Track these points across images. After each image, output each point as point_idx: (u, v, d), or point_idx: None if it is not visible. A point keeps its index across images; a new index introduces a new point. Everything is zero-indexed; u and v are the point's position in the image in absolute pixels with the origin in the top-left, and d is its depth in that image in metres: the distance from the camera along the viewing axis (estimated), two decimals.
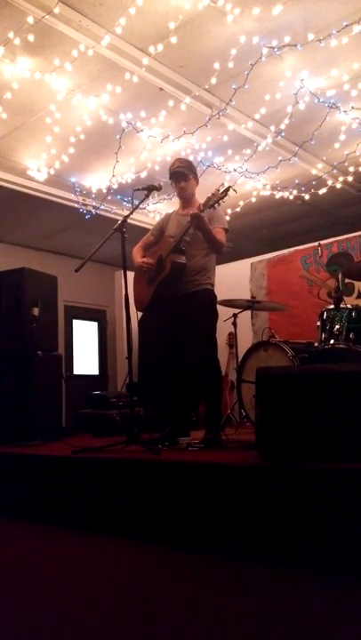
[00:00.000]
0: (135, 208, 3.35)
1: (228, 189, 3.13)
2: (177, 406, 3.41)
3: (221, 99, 4.33)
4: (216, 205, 3.18)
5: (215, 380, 3.31)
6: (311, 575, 1.80)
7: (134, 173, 5.38)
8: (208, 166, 5.24)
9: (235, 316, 4.71)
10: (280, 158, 5.11)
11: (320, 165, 5.40)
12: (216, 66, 3.89)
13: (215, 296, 3.39)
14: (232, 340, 5.45)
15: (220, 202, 3.16)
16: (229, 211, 6.04)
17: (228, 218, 5.98)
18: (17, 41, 3.57)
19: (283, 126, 4.61)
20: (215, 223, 3.30)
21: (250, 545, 1.96)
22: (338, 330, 3.38)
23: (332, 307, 3.53)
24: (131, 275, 3.27)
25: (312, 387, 2.14)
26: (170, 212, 3.63)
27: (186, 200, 3.49)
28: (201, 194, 3.41)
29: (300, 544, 1.84)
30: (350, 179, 5.56)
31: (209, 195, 3.19)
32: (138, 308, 3.48)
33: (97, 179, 5.65)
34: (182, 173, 3.40)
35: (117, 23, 3.48)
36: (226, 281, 5.96)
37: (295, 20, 3.56)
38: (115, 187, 5.59)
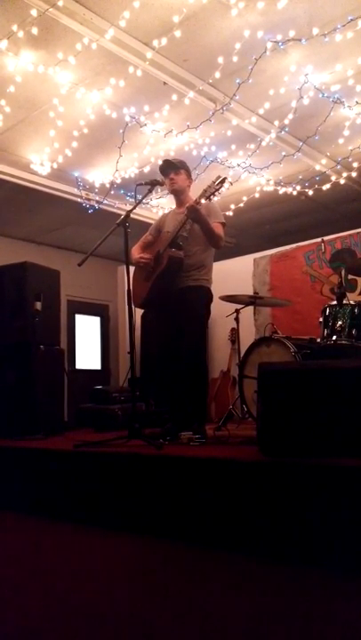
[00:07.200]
0: (138, 203, 3.34)
1: (223, 180, 3.11)
2: (178, 401, 3.41)
3: (225, 93, 4.31)
4: (212, 197, 3.15)
5: (199, 377, 3.29)
6: (311, 572, 1.80)
7: (137, 168, 5.37)
8: (211, 161, 5.23)
9: (237, 311, 4.69)
10: (284, 153, 5.10)
11: (324, 161, 5.38)
12: (220, 60, 3.88)
13: (211, 294, 3.38)
14: (234, 335, 5.44)
15: (217, 193, 3.13)
16: (232, 206, 6.03)
17: (231, 213, 6.06)
18: (20, 34, 3.56)
19: (287, 121, 4.59)
20: (212, 218, 3.28)
21: (250, 540, 1.96)
22: (340, 326, 3.37)
23: (334, 303, 3.52)
24: (133, 270, 3.26)
25: (314, 383, 2.14)
26: (167, 212, 3.62)
27: (179, 197, 3.50)
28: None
29: (300, 540, 1.84)
30: (354, 174, 5.54)
31: (204, 187, 3.17)
32: (135, 304, 3.48)
33: (100, 173, 5.64)
34: (172, 163, 3.42)
35: (121, 16, 3.47)
36: (228, 277, 5.97)
37: (300, 15, 3.54)
38: (118, 181, 5.58)
